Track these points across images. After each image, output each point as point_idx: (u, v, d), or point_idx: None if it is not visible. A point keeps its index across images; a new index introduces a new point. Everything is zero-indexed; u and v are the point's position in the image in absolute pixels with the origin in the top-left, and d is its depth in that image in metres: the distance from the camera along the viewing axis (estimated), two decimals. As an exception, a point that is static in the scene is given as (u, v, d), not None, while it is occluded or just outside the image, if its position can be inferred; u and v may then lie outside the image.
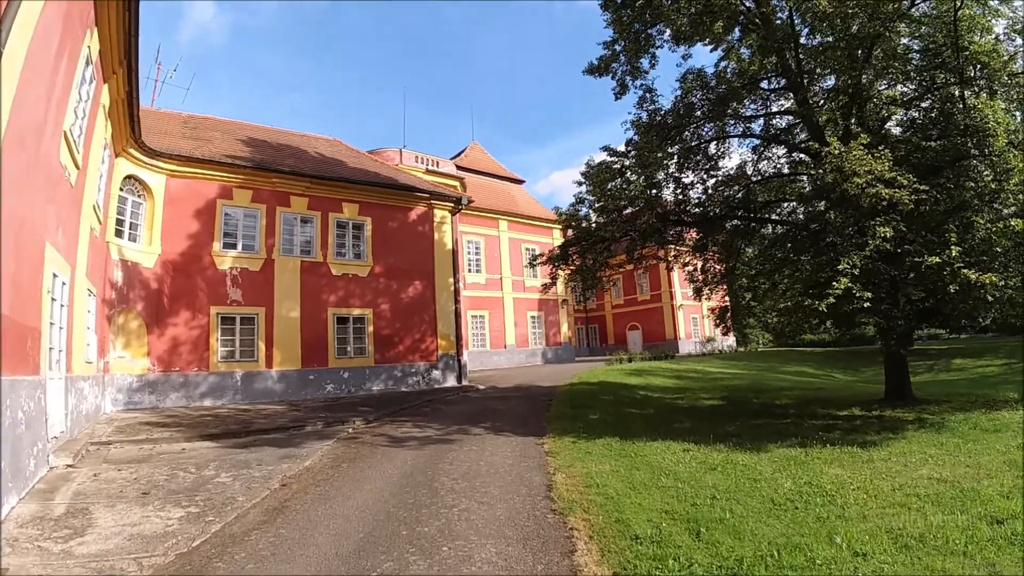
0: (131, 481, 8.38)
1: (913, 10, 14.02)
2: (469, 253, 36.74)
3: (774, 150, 17.05)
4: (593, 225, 14.63)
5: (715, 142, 15.31)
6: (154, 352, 17.21)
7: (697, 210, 14.69)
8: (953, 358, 36.04)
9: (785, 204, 16.01)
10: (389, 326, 21.30)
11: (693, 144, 14.63)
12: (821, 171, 11.09)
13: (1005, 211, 11.84)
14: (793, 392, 17.89)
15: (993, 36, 13.86)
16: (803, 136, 16.25)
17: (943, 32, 14.10)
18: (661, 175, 14.01)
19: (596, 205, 14.39)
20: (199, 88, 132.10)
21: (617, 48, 15.43)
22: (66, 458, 9.28)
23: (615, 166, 15.14)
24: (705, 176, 15.04)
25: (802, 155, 15.88)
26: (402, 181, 23.40)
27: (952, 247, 10.58)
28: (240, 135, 23.10)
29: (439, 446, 9.49)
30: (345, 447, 9.78)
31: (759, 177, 15.89)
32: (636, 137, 15.05)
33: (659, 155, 13.25)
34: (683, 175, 14.70)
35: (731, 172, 15.77)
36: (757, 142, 16.91)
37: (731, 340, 53.60)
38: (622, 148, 15.54)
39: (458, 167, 38.94)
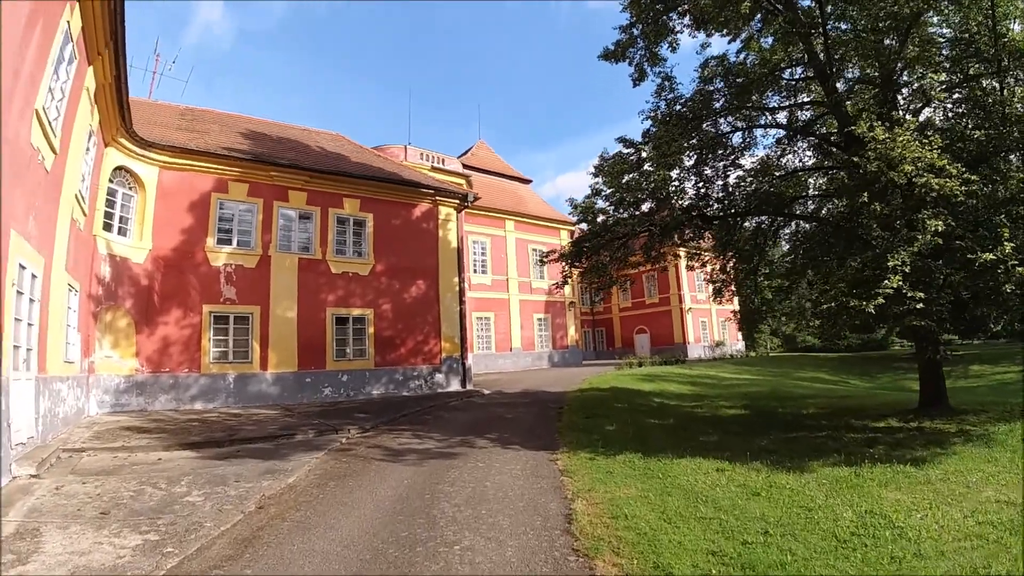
0: (93, 497, 7.44)
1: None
2: (475, 253, 35.77)
3: (799, 144, 15.99)
4: (610, 220, 13.59)
5: (739, 132, 14.27)
6: (143, 352, 16.31)
7: (719, 205, 13.65)
8: (970, 364, 34.83)
9: (810, 201, 14.92)
10: (390, 327, 20.31)
11: (716, 134, 13.58)
12: (864, 159, 10.05)
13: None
14: (818, 400, 16.80)
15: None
16: (825, 129, 15.27)
17: (977, 20, 13.10)
18: (681, 168, 12.95)
19: (614, 197, 13.35)
20: (203, 93, 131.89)
21: (635, 32, 14.44)
22: (30, 467, 8.43)
23: (631, 158, 14.13)
24: (730, 168, 13.99)
25: (832, 148, 14.85)
26: (406, 177, 22.43)
27: (1005, 243, 9.55)
28: (239, 128, 22.21)
29: (440, 461, 8.46)
30: (335, 461, 8.77)
31: (784, 172, 14.82)
32: (654, 129, 14.04)
33: (683, 143, 12.20)
34: (705, 168, 13.64)
35: (755, 166, 14.72)
36: (781, 134, 15.87)
37: (740, 345, 52.53)
38: (639, 140, 14.54)
39: (464, 166, 37.95)
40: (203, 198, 17.70)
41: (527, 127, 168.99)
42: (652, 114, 14.72)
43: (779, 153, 15.50)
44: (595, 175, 14.48)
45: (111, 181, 15.84)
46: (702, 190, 13.74)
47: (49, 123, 9.25)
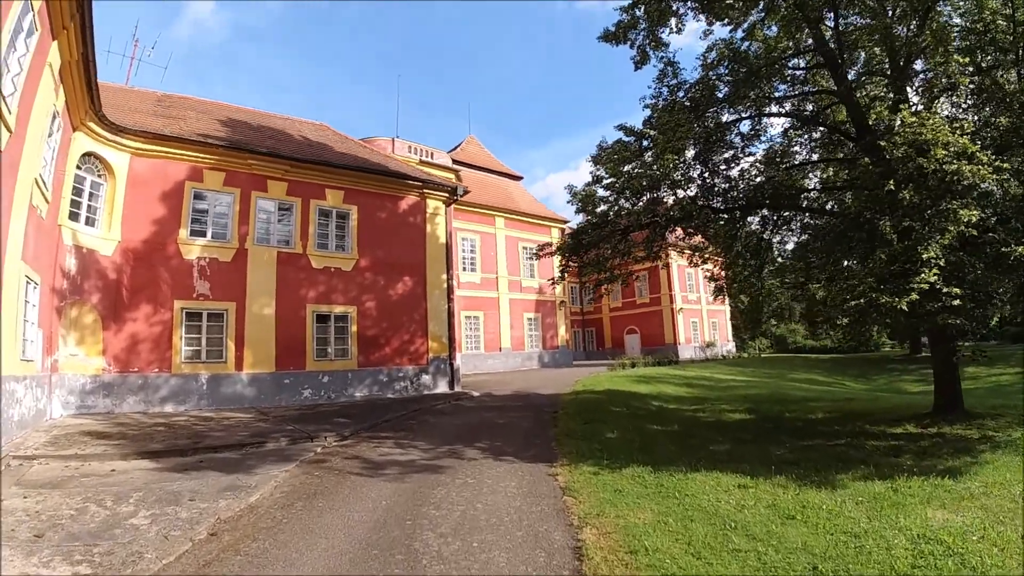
0: (32, 515, 6.49)
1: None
2: (464, 251, 34.80)
3: (805, 136, 15.19)
4: (612, 210, 12.66)
5: (747, 121, 13.42)
6: (110, 350, 15.19)
7: (725, 196, 12.79)
8: (964, 366, 34.21)
9: (821, 194, 14.11)
10: (375, 326, 19.28)
11: (724, 121, 12.73)
12: (891, 144, 9.24)
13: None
14: (822, 404, 16.02)
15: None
16: (834, 119, 14.48)
17: (991, 8, 12.40)
18: (689, 154, 12.07)
19: (616, 185, 12.43)
20: (193, 87, 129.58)
21: (637, 12, 13.56)
22: (-30, 477, 7.45)
23: (633, 146, 13.24)
24: (739, 157, 13.13)
25: (842, 138, 14.08)
26: (392, 168, 21.40)
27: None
28: (218, 115, 21.08)
29: (425, 476, 7.49)
30: (307, 475, 7.77)
31: (792, 164, 14.00)
32: (655, 117, 13.16)
33: (693, 128, 11.32)
34: (712, 156, 12.77)
35: (762, 156, 13.90)
36: (788, 124, 15.07)
37: (731, 345, 52.02)
38: (640, 127, 13.65)
39: (454, 161, 36.91)
40: (176, 187, 16.61)
41: (518, 126, 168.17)
42: (652, 103, 13.86)
43: (786, 144, 14.69)
44: (594, 164, 13.58)
45: (79, 168, 14.77)
46: (708, 181, 12.87)
47: (3, 97, 8.25)
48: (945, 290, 7.99)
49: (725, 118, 13.11)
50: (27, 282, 10.95)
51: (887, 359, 42.59)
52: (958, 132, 9.06)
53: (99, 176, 15.56)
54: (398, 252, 20.14)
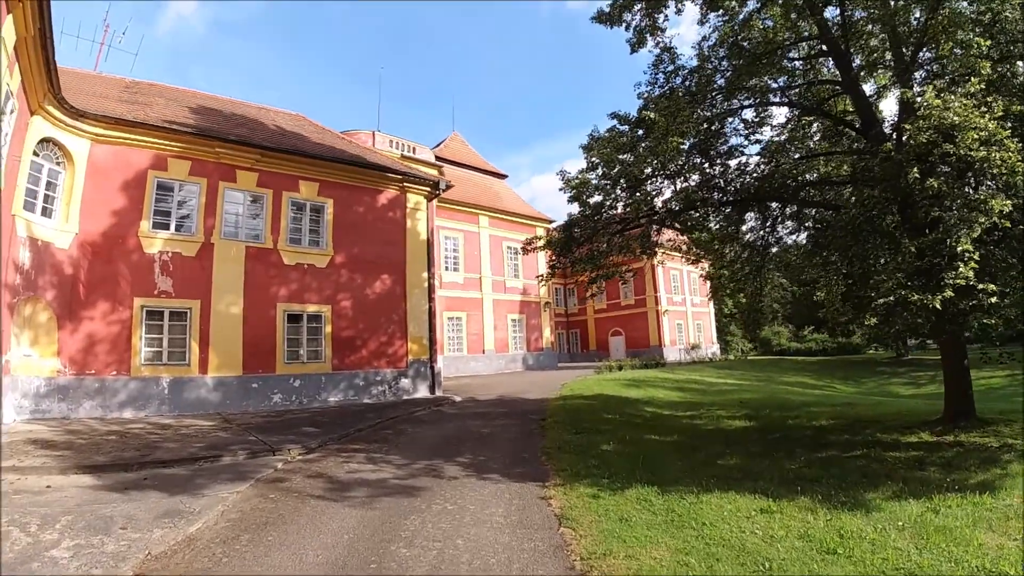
0: (-55, 543, 5.58)
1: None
2: (447, 250, 33.73)
3: (807, 126, 14.41)
4: (608, 201, 11.72)
5: (750, 109, 12.57)
6: (66, 351, 14.00)
7: (726, 189, 11.93)
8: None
9: (823, 186, 13.31)
10: (351, 326, 18.16)
11: (726, 108, 11.86)
12: (915, 127, 8.44)
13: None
14: (823, 409, 15.24)
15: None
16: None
17: None
18: (687, 144, 11.16)
19: (611, 175, 11.48)
20: (172, 81, 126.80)
21: (633, -8, 12.67)
22: None
23: (627, 136, 12.32)
24: (745, 144, 12.28)
25: (847, 128, 13.33)
26: (371, 160, 20.30)
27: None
28: (188, 102, 19.84)
29: (397, 501, 6.44)
30: (261, 498, 6.69)
31: (798, 156, 13.20)
32: (654, 102, 12.26)
33: (695, 113, 10.43)
34: (715, 145, 11.88)
35: (766, 147, 13.08)
36: (788, 116, 14.28)
37: (715, 348, 51.51)
38: (634, 115, 12.75)
39: (437, 158, 35.87)
40: (139, 176, 15.43)
41: (502, 127, 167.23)
42: (647, 90, 12.97)
43: (787, 136, 13.89)
44: (586, 153, 12.64)
45: (36, 155, 13.59)
46: (709, 171, 11.99)
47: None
48: (980, 287, 7.18)
49: (730, 105, 12.25)
50: (-29, 275, 9.80)
51: (874, 362, 42.31)
52: (987, 116, 8.28)
53: (57, 164, 14.40)
54: (376, 249, 19.05)
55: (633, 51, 12.54)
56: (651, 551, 4.74)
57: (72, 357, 14.08)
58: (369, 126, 36.87)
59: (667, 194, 11.73)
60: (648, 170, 11.04)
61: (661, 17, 13.24)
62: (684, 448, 9.49)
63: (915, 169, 8.40)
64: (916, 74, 12.50)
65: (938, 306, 7.00)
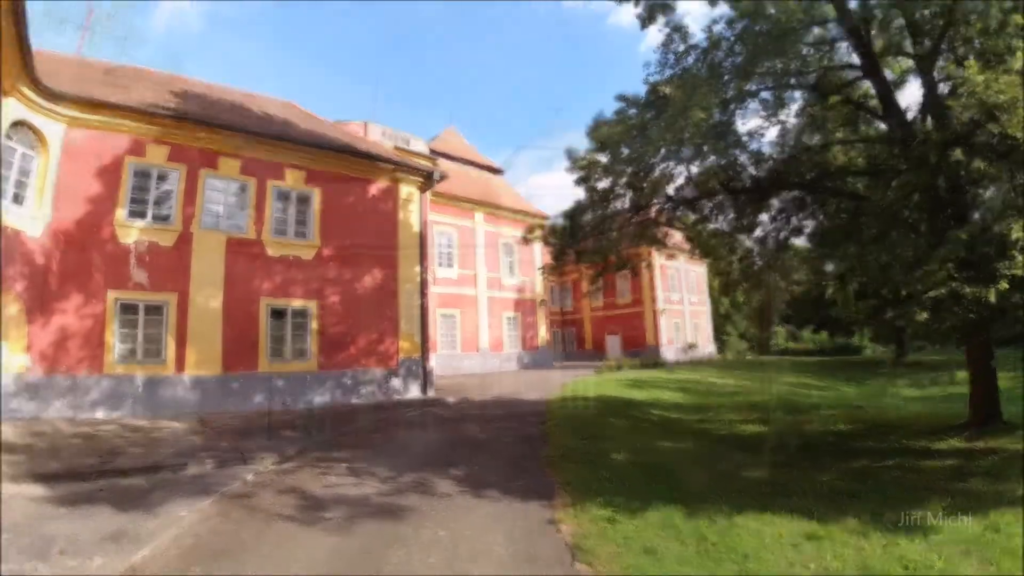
0: None
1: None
2: (441, 245, 32.74)
3: (826, 112, 13.58)
4: (619, 184, 10.84)
5: (769, 92, 11.71)
6: (36, 346, 13.07)
7: (742, 174, 11.09)
8: (956, 370, 33.27)
9: (845, 175, 12.47)
10: (340, 322, 17.21)
11: (745, 90, 11.00)
12: (959, 103, 7.61)
13: None
14: (835, 412, 14.46)
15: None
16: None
17: None
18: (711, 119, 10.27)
19: (620, 156, 10.59)
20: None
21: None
22: None
23: (636, 120, 11.45)
24: (765, 127, 11.41)
25: (869, 114, 12.53)
26: (362, 148, 19.34)
27: None
28: (170, 87, 18.81)
29: (379, 526, 5.52)
30: (222, 518, 5.77)
31: (827, 140, 12.40)
32: (670, 78, 11.41)
33: (712, 94, 9.56)
34: (733, 127, 11.00)
35: (781, 133, 12.26)
36: (804, 102, 13.45)
37: (711, 347, 50.78)
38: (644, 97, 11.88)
39: (432, 151, 34.88)
40: (115, 161, 14.55)
41: (498, 126, 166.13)
42: (656, 76, 12.10)
43: (805, 121, 13.08)
44: (591, 139, 11.76)
45: (9, 138, 12.71)
46: (729, 154, 11.12)
47: None
48: (1035, 281, 6.37)
49: (743, 87, 11.41)
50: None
51: (874, 362, 41.62)
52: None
53: (31, 148, 13.51)
54: (366, 241, 18.09)
55: (643, 27, 11.67)
56: (689, 596, 3.85)
57: (43, 353, 13.21)
58: (362, 116, 35.91)
59: (679, 180, 10.87)
60: (662, 151, 10.15)
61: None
62: (701, 457, 8.63)
63: (958, 151, 7.57)
64: (940, 59, 11.72)
65: (993, 299, 6.17)
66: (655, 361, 36.19)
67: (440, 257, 32.43)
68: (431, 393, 18.58)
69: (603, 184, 11.09)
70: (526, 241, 13.80)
